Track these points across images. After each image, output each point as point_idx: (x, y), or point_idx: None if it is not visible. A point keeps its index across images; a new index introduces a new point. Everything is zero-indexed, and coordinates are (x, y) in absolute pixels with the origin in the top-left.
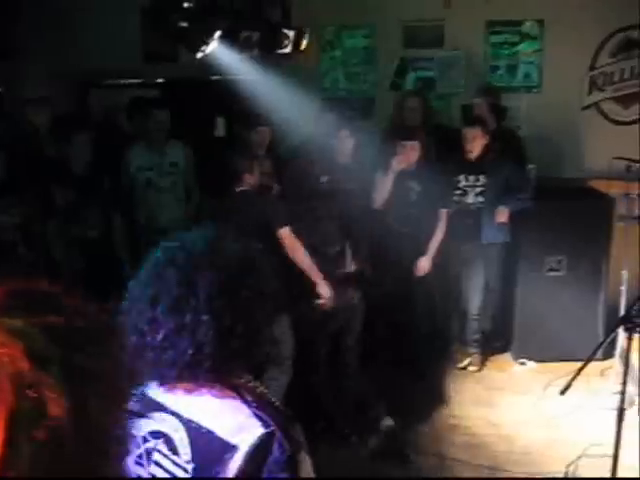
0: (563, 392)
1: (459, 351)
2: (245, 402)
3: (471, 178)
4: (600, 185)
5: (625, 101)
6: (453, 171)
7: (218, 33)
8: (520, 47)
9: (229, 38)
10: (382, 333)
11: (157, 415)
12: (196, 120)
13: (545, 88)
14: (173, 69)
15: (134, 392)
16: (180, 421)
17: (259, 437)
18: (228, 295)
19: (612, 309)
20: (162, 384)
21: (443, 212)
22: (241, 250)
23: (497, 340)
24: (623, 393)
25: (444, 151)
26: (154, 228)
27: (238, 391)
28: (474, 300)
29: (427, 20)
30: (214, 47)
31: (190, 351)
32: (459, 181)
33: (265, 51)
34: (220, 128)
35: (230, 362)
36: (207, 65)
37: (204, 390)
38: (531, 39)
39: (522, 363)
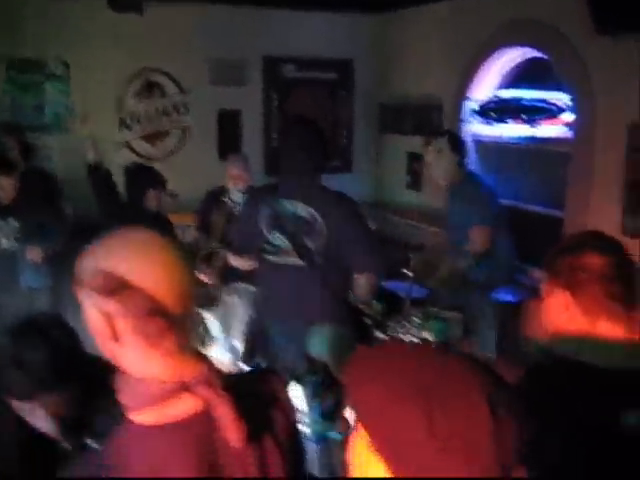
0: None
1: None
2: None
3: (3, 223)
4: None
5: (152, 139)
6: None
7: None
8: (46, 86)
9: None
10: None
11: None
12: None
13: (77, 127)
14: None
15: None
16: None
17: None
18: None
19: None
20: None
21: None
22: None
23: None
24: None
25: None
26: None
27: None
28: None
29: None
30: None
31: None
32: None
33: None
34: None
35: None
36: None
37: None
38: (57, 79)
39: None
